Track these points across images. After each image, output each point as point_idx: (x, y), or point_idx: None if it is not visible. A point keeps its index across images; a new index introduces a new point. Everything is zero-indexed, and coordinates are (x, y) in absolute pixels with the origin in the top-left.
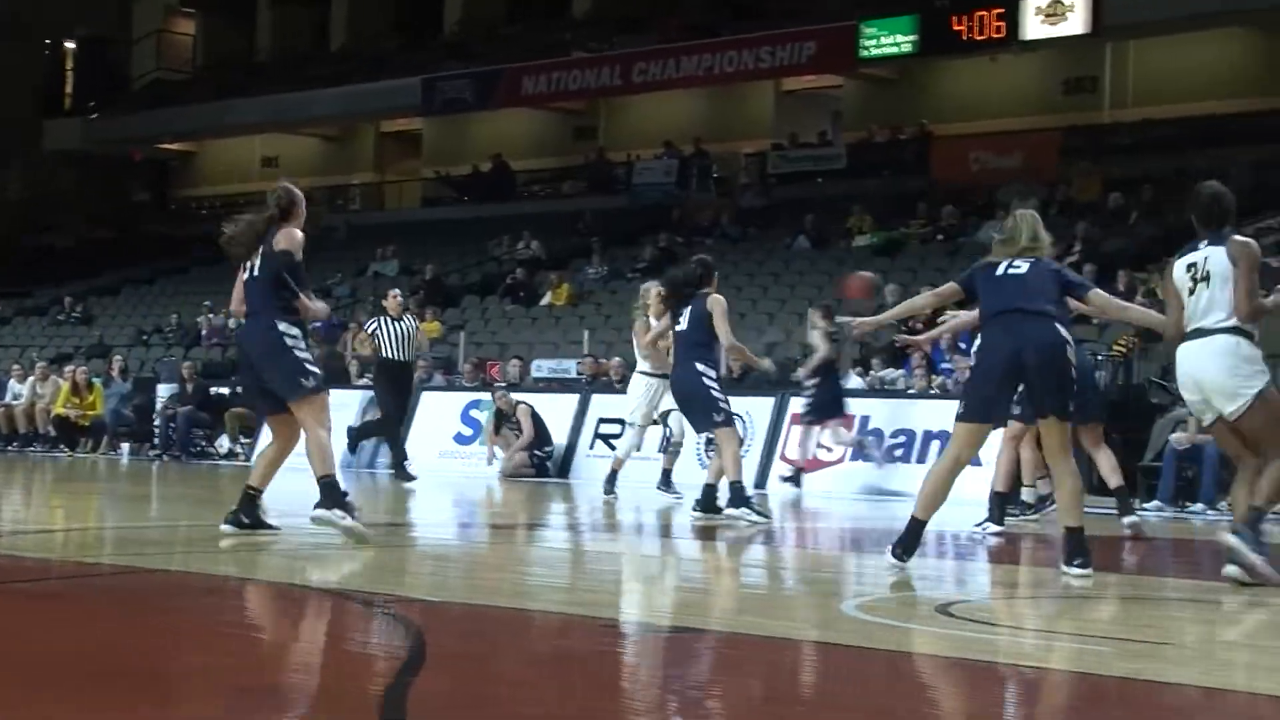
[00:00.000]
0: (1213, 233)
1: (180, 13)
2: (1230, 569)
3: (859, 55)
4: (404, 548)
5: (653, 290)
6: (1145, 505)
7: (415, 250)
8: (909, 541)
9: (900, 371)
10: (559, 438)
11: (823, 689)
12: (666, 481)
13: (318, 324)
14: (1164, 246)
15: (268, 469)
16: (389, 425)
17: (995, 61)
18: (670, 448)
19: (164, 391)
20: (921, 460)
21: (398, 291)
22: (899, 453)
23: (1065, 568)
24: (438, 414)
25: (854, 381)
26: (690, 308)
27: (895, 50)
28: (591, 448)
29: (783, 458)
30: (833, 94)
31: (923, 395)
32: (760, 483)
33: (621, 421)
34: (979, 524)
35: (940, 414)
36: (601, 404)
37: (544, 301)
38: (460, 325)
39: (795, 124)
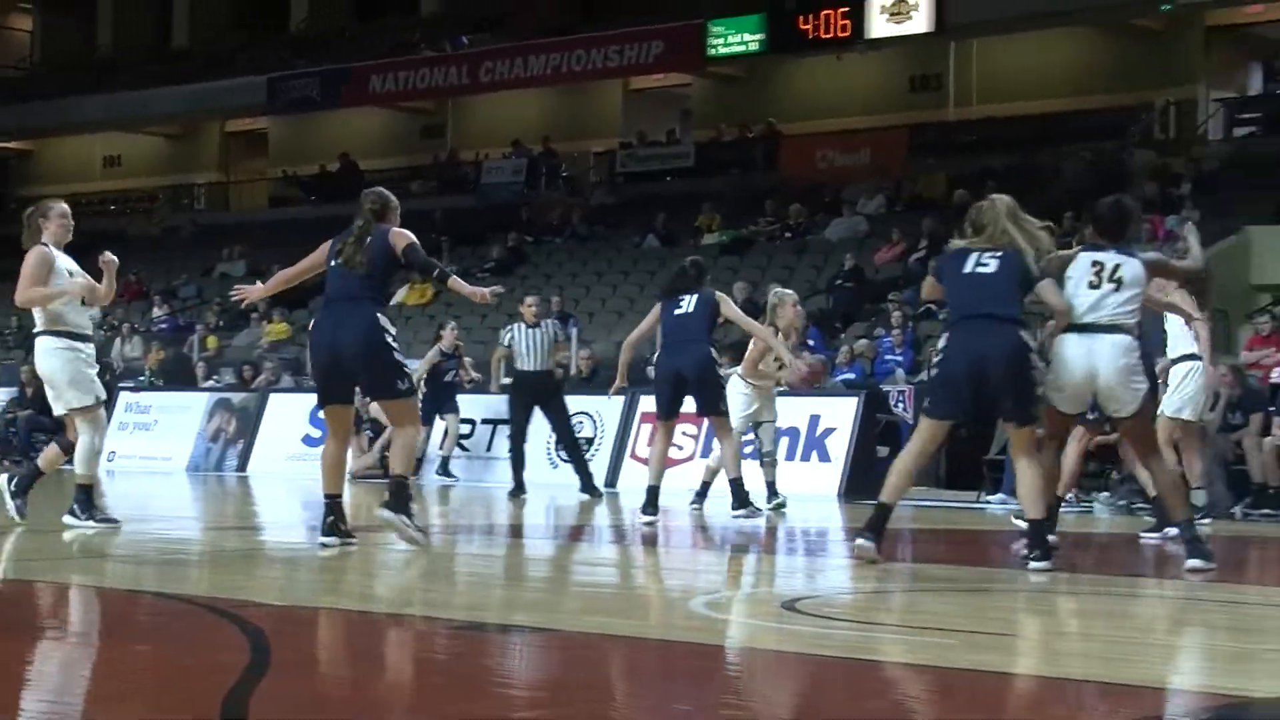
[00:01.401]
0: (1120, 246)
1: (17, 7)
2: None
3: (707, 54)
4: (252, 551)
5: (788, 300)
6: (990, 497)
7: (263, 251)
8: (878, 525)
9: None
10: None
11: (659, 686)
12: (772, 491)
13: (163, 325)
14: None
15: (336, 470)
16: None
17: (842, 60)
18: (765, 460)
19: (3, 396)
20: (805, 458)
21: (534, 299)
22: (749, 450)
23: (1030, 564)
24: (286, 416)
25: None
26: (697, 296)
27: (743, 49)
28: (440, 447)
29: (633, 456)
30: (681, 93)
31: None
32: (611, 482)
33: (472, 421)
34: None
35: (789, 410)
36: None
37: (395, 301)
38: (309, 326)
39: (644, 123)
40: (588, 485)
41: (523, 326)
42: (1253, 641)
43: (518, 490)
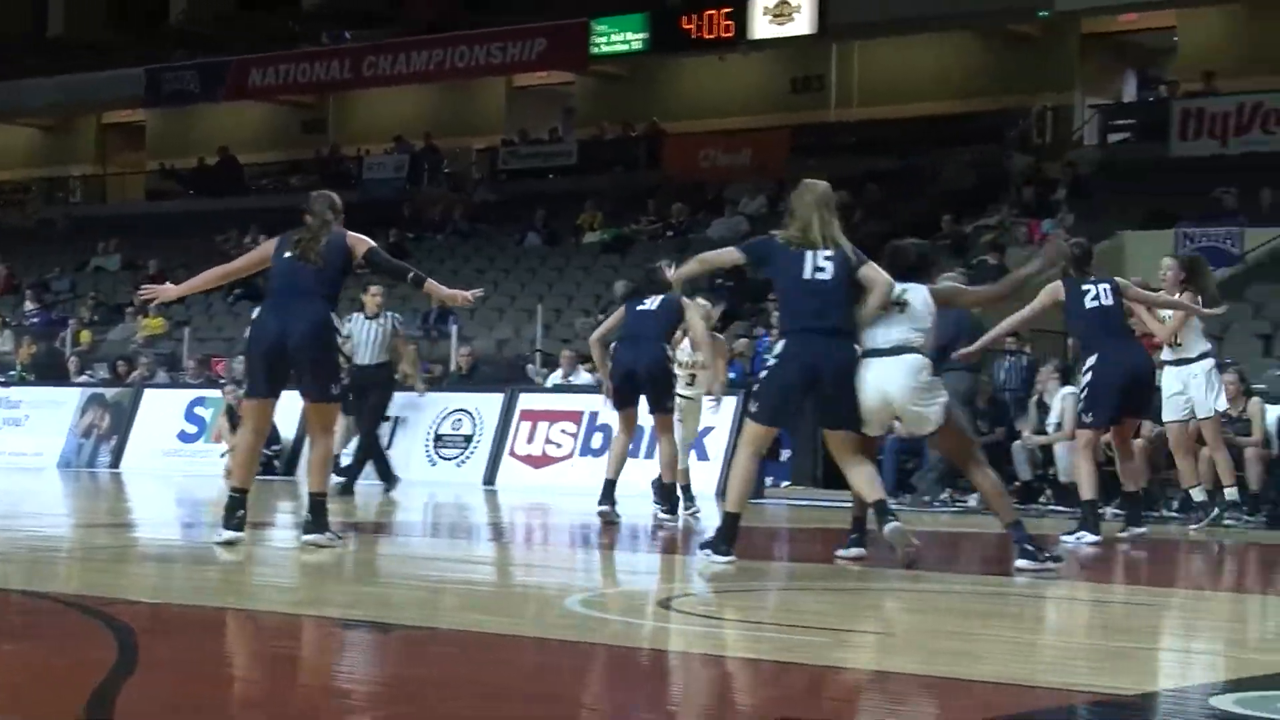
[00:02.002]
0: (917, 278)
1: None
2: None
3: (590, 52)
4: (124, 549)
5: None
6: None
7: (139, 245)
8: (731, 536)
9: None
10: (286, 434)
11: (530, 683)
12: (687, 495)
13: (34, 319)
14: (887, 243)
15: (250, 464)
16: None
17: (724, 60)
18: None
19: None
20: (650, 455)
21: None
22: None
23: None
24: (161, 412)
25: (583, 377)
26: (663, 297)
27: (626, 48)
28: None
29: (511, 454)
30: (565, 90)
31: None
32: (490, 479)
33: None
34: (1071, 533)
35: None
36: None
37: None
38: (185, 321)
39: (527, 120)
40: (384, 474)
41: (361, 318)
42: (1121, 639)
43: (389, 484)
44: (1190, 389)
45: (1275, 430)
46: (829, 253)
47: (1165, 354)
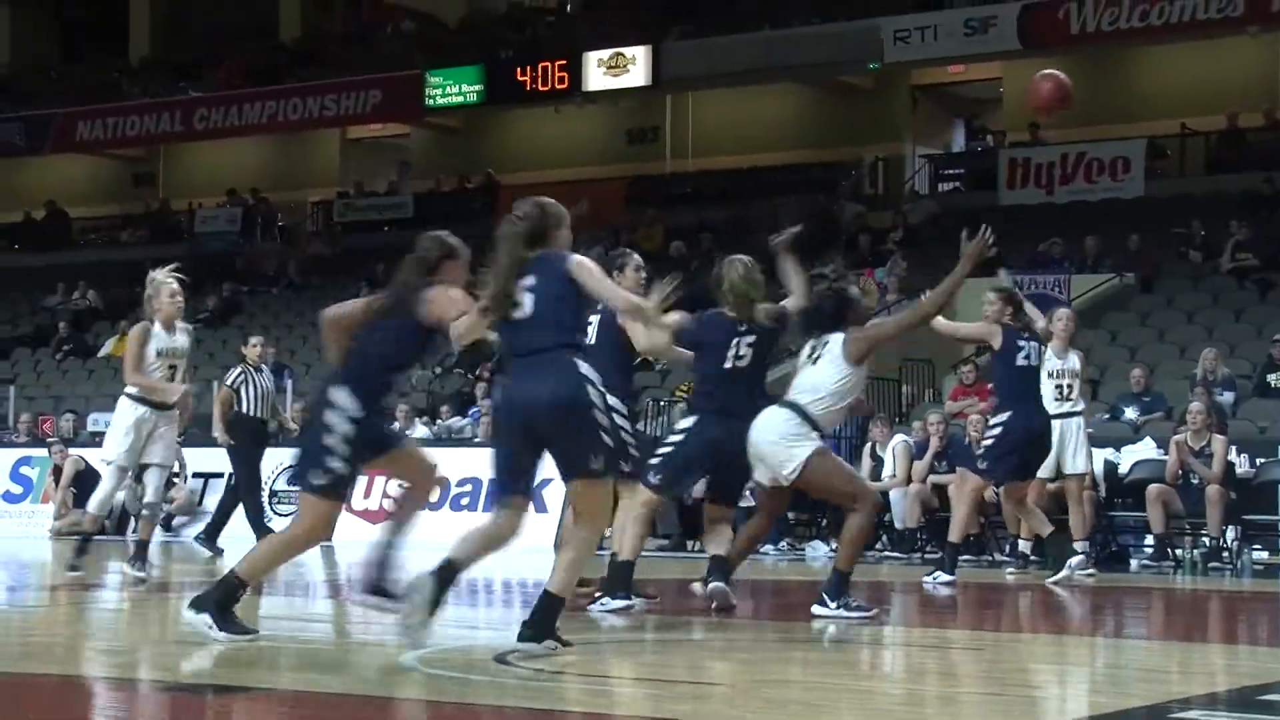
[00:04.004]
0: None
1: None
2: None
3: (425, 104)
4: None
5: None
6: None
7: None
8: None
9: (466, 420)
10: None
11: None
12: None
13: None
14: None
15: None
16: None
17: (560, 112)
18: None
19: None
20: (488, 508)
21: (259, 340)
22: (465, 501)
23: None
24: None
25: (419, 431)
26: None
27: (461, 100)
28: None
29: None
30: (400, 143)
31: (488, 443)
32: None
33: (205, 476)
34: (930, 574)
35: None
36: None
37: (102, 353)
38: (11, 379)
39: (362, 173)
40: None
41: (249, 369)
42: (951, 686)
43: (213, 546)
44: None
45: (1102, 474)
46: (752, 338)
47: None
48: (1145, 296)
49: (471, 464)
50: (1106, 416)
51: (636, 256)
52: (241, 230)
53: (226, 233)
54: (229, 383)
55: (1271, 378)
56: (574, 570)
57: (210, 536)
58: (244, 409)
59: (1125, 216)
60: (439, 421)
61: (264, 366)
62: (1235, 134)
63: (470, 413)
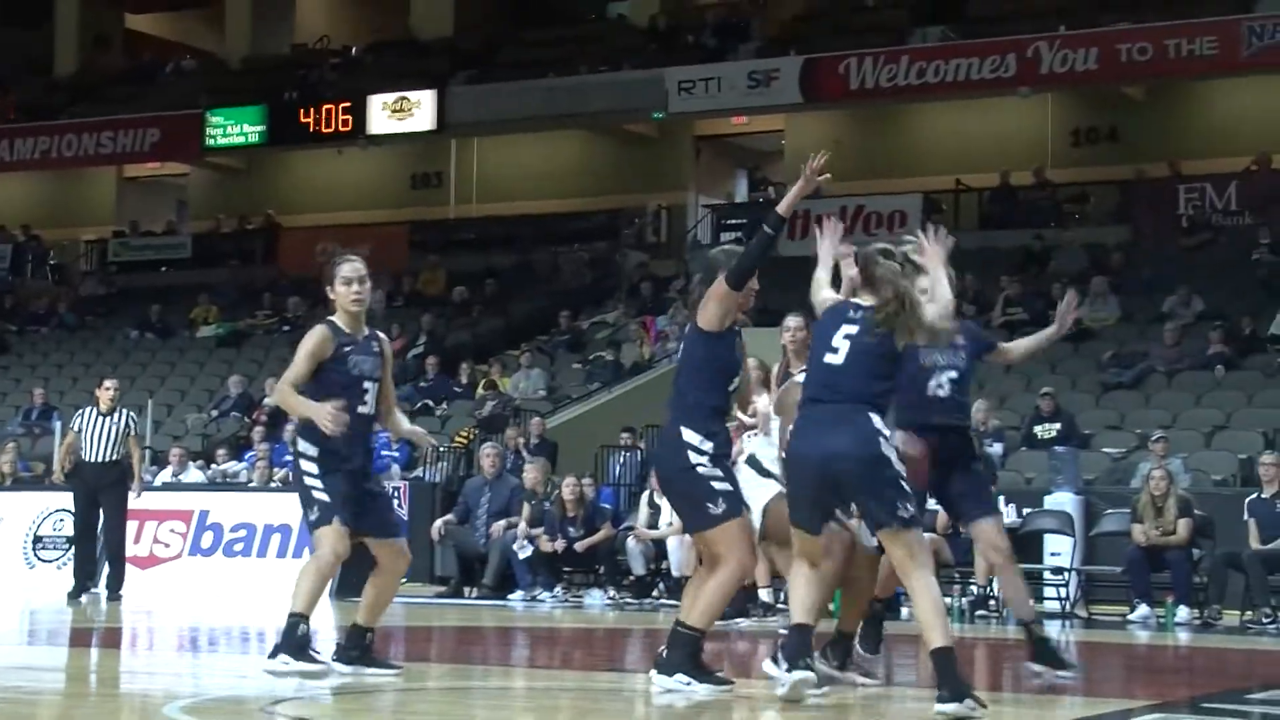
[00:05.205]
0: None
1: None
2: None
3: (205, 144)
4: None
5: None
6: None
7: None
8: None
9: (242, 464)
10: None
11: None
12: None
13: None
14: (505, 339)
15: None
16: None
17: (343, 155)
18: None
19: None
20: (262, 554)
21: (113, 384)
22: (239, 547)
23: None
24: None
25: (194, 475)
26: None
27: (243, 140)
28: None
29: None
30: (179, 182)
31: (264, 488)
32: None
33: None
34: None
35: (281, 507)
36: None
37: None
38: None
39: (139, 212)
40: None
41: (94, 412)
42: None
43: (78, 590)
44: None
45: None
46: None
47: None
48: None
49: (247, 509)
50: None
51: None
52: (11, 268)
53: None
54: (73, 426)
55: (1039, 429)
56: None
57: (112, 588)
58: (83, 454)
59: None
60: (213, 465)
61: (118, 409)
62: (1007, 191)
63: (246, 457)
